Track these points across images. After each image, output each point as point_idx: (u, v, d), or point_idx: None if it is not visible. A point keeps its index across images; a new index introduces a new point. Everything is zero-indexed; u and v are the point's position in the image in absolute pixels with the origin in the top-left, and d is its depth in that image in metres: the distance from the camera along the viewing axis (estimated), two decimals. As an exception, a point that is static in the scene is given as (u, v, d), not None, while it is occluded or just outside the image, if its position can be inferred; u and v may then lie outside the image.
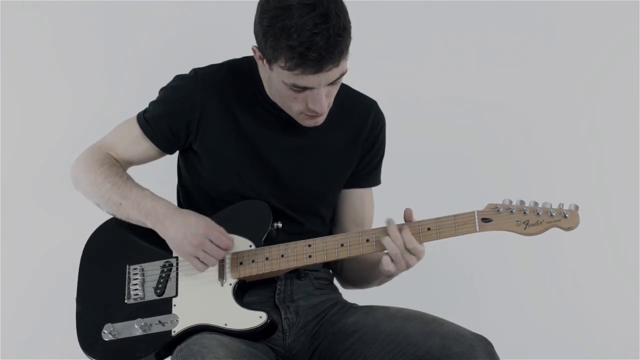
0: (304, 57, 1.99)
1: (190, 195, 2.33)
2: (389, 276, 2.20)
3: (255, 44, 2.11)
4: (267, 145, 2.25)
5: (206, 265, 2.16)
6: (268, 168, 2.26)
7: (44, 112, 3.02)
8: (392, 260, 2.10)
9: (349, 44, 2.05)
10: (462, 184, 3.06)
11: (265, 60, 2.10)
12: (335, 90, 2.14)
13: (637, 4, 3.07)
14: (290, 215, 2.27)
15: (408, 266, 2.11)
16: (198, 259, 2.16)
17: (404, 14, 3.04)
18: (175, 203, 2.39)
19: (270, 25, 2.01)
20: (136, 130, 2.29)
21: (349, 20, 2.04)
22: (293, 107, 2.14)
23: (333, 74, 2.06)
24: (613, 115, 3.10)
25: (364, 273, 2.30)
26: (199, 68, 2.28)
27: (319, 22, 1.98)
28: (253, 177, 2.25)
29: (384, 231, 2.11)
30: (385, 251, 2.11)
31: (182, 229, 2.15)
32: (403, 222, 2.12)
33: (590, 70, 3.10)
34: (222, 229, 2.17)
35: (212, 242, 2.15)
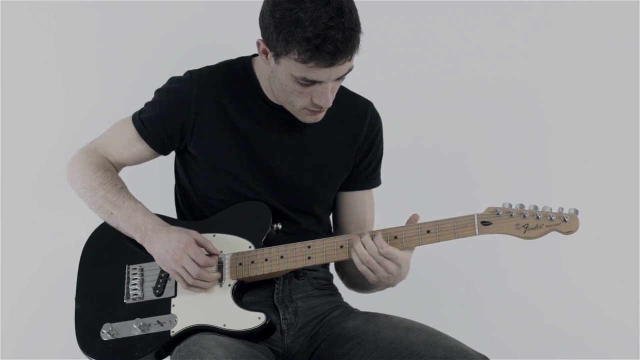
0: (320, 49, 2.00)
1: (188, 197, 2.33)
2: (387, 284, 2.19)
3: (261, 38, 2.11)
4: (263, 145, 2.25)
5: (186, 283, 2.15)
6: (265, 167, 2.26)
7: (44, 112, 3.02)
8: (369, 268, 2.10)
9: (360, 39, 2.05)
10: (462, 187, 3.06)
11: (271, 54, 2.10)
12: (338, 86, 2.15)
13: (637, 4, 3.06)
14: (287, 214, 2.27)
15: (388, 272, 2.09)
16: (180, 275, 2.15)
17: (401, 12, 3.04)
18: (173, 204, 2.40)
19: (283, 17, 2.01)
20: (131, 131, 2.29)
21: (359, 17, 2.06)
22: (296, 102, 2.14)
23: (343, 68, 2.07)
24: (615, 118, 3.09)
25: (363, 280, 2.29)
26: (193, 70, 2.29)
27: (334, 15, 1.99)
28: (250, 177, 2.25)
29: (375, 235, 2.11)
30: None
31: (166, 244, 2.15)
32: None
33: (593, 73, 3.09)
34: (208, 244, 2.17)
35: (190, 257, 2.13)
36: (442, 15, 3.07)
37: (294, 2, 2.01)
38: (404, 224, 2.13)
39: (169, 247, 2.14)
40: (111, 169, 2.29)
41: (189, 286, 2.16)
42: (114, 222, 2.24)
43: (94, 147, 2.33)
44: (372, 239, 2.09)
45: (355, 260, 2.11)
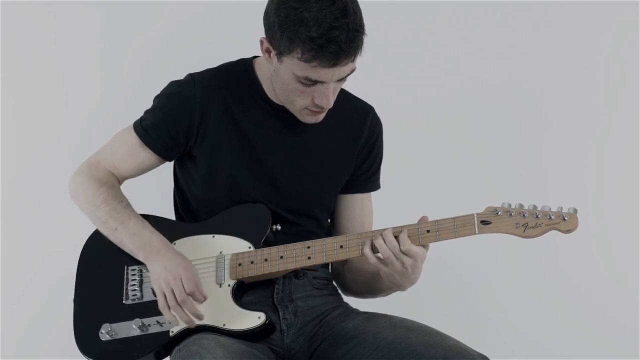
0: (324, 49, 2.00)
1: (186, 199, 2.32)
2: (399, 285, 2.18)
3: (264, 36, 2.11)
4: (265, 146, 2.25)
5: (167, 305, 2.10)
6: (265, 169, 2.25)
7: (44, 112, 3.02)
8: (383, 263, 2.09)
9: (364, 41, 2.06)
10: (462, 187, 3.06)
11: (274, 53, 2.09)
12: (340, 87, 2.15)
13: (637, 4, 3.06)
14: (286, 217, 2.27)
15: (404, 267, 2.08)
16: (164, 294, 2.11)
17: (401, 15, 3.05)
18: (172, 208, 2.39)
19: (288, 16, 2.02)
20: (134, 140, 2.28)
21: (363, 18, 2.06)
22: (297, 101, 2.14)
23: (346, 69, 2.07)
24: (613, 117, 3.09)
25: (371, 283, 2.29)
26: (194, 73, 2.27)
27: (338, 16, 1.99)
28: (249, 178, 2.25)
29: (380, 234, 2.10)
30: (378, 254, 2.10)
31: (167, 262, 2.13)
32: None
33: (592, 72, 3.09)
34: (198, 281, 2.12)
35: (181, 282, 2.10)
36: (440, 17, 3.08)
37: (299, 1, 2.01)
38: (403, 223, 2.11)
39: (168, 266, 2.12)
40: (115, 185, 2.28)
41: (167, 309, 2.11)
42: (117, 239, 2.22)
43: (97, 161, 2.31)
44: (397, 236, 2.08)
45: (368, 254, 2.10)
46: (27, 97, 3.01)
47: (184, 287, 2.10)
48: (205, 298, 2.13)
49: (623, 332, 3.08)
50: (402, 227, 2.10)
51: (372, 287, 2.30)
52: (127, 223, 2.20)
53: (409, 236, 2.08)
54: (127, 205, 2.24)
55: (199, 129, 2.23)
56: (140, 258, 2.18)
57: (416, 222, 2.11)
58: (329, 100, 2.11)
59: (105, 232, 2.24)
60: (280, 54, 2.07)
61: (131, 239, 2.19)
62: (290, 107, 2.18)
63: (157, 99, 2.29)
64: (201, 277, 2.17)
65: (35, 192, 3.02)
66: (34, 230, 3.03)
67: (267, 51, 2.12)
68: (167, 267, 2.12)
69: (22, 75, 3.01)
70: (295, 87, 2.10)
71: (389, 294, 2.29)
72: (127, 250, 2.21)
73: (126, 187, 2.30)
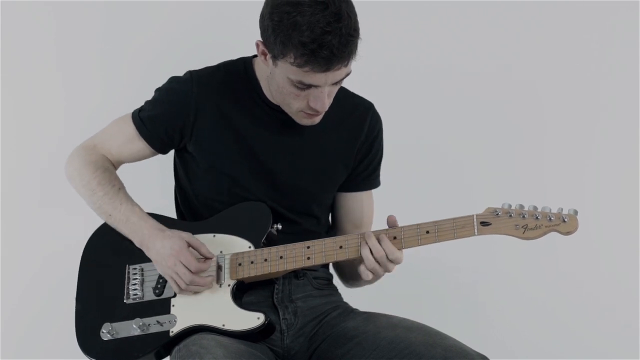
0: (316, 54, 1.99)
1: (187, 197, 2.33)
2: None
3: (260, 39, 2.11)
4: (263, 146, 2.25)
5: (180, 288, 2.16)
6: (264, 169, 2.26)
7: (44, 112, 3.02)
8: (369, 269, 2.11)
9: (358, 45, 2.05)
10: (461, 188, 3.06)
11: (269, 56, 2.09)
12: (336, 90, 2.14)
13: (637, 4, 3.06)
14: (286, 215, 2.27)
15: (387, 271, 2.11)
16: (174, 279, 2.16)
17: (400, 12, 3.05)
18: (173, 204, 2.40)
19: (281, 20, 2.01)
20: (131, 129, 2.29)
21: (358, 22, 2.05)
22: (293, 104, 2.14)
23: (340, 73, 2.06)
24: (613, 118, 3.09)
25: (352, 273, 2.30)
26: (194, 70, 2.28)
27: (331, 20, 1.98)
28: (249, 178, 2.25)
29: (367, 243, 2.10)
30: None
31: (160, 250, 2.16)
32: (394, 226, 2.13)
33: (592, 72, 3.09)
34: (202, 248, 2.17)
35: (183, 264, 2.14)
36: (440, 15, 3.08)
37: (293, 5, 2.00)
38: (402, 224, 2.12)
39: (163, 253, 2.15)
40: (109, 168, 2.30)
41: (182, 290, 2.16)
42: (113, 224, 2.25)
43: (93, 145, 2.33)
44: (380, 244, 2.09)
45: (364, 256, 2.10)
46: (27, 97, 3.01)
47: (187, 269, 2.12)
48: (212, 257, 2.17)
49: (623, 332, 3.08)
50: (400, 228, 2.11)
51: (353, 277, 2.31)
52: (119, 208, 2.23)
53: (407, 237, 2.09)
54: (120, 189, 2.27)
55: (193, 126, 2.24)
56: (136, 244, 2.21)
57: (385, 222, 2.12)
58: (323, 103, 2.11)
59: (101, 217, 2.27)
60: (274, 58, 2.07)
61: (124, 225, 2.22)
62: (287, 109, 2.18)
63: (158, 92, 2.31)
64: (201, 277, 2.19)
65: (35, 192, 3.02)
66: (34, 230, 3.02)
67: (263, 54, 2.12)
68: (163, 256, 2.15)
69: (22, 75, 3.01)
70: (290, 91, 2.10)
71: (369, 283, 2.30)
72: (124, 234, 2.23)
73: (127, 186, 2.30)
